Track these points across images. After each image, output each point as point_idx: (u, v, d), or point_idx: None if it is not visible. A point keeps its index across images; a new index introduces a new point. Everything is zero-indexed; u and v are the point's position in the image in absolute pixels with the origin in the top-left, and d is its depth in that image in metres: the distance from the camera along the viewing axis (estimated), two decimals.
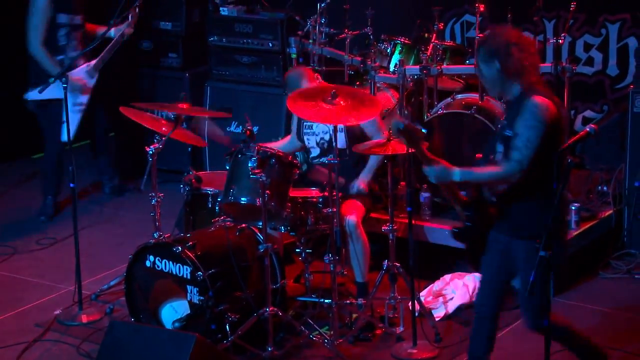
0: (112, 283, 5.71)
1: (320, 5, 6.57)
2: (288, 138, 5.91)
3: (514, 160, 3.92)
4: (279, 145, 5.78)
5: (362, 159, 5.57)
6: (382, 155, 5.38)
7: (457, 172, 4.03)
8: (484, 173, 4.04)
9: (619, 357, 4.87)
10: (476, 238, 4.20)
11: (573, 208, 5.77)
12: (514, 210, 4.05)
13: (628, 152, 5.98)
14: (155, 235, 5.15)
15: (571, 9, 6.11)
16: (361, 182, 5.47)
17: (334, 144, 4.98)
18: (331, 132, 5.52)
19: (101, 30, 6.62)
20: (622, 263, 5.84)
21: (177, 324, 4.92)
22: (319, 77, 5.80)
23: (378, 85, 6.43)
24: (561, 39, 5.92)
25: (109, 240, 6.62)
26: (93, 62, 6.67)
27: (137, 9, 6.38)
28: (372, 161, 5.51)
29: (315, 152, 5.70)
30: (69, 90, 5.55)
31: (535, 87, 4.02)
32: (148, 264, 5.06)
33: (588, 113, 7.13)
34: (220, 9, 7.34)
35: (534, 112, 3.90)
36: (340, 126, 5.14)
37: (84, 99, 6.68)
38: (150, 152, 5.13)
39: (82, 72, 6.65)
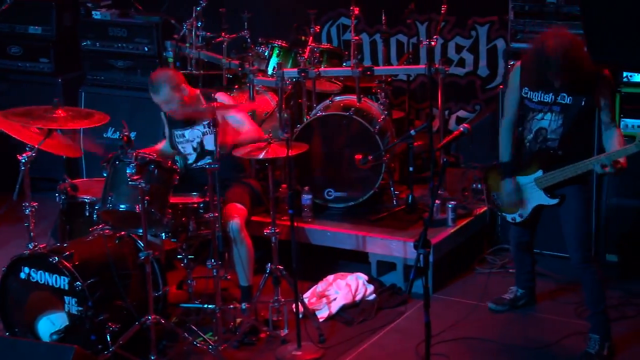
0: None
1: (196, 9, 6.52)
2: (164, 142, 5.83)
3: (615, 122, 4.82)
4: (157, 148, 5.71)
5: (237, 159, 5.54)
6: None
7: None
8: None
9: (495, 349, 5.03)
10: None
11: (450, 206, 5.92)
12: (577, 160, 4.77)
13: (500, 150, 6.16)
14: (30, 246, 4.99)
15: (442, 11, 6.27)
16: None
17: (205, 146, 4.94)
18: (202, 135, 5.51)
19: None
20: (497, 258, 6.03)
21: (55, 336, 4.78)
22: (186, 86, 5.58)
23: (257, 88, 6.43)
24: (433, 41, 6.06)
25: None
26: None
27: None
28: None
29: (192, 157, 5.64)
30: None
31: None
32: (23, 275, 4.90)
33: (461, 113, 7.34)
34: (93, 12, 7.17)
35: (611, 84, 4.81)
36: (210, 129, 5.12)
37: None
38: (23, 160, 4.98)
39: None
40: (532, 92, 4.85)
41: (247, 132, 5.46)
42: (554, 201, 4.89)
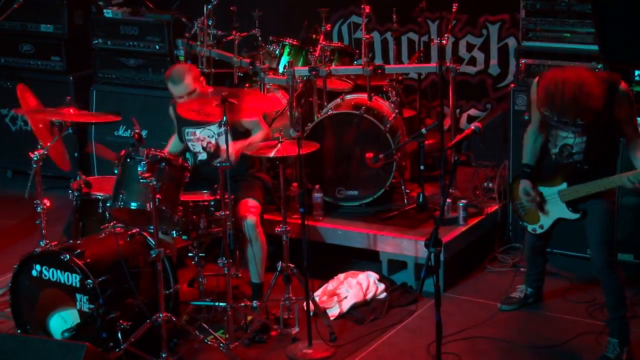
0: None
1: (207, 7, 6.53)
2: (173, 139, 5.82)
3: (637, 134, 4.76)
4: (168, 148, 5.71)
5: (249, 158, 5.55)
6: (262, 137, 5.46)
7: None
8: None
9: (506, 348, 5.02)
10: None
11: (461, 205, 5.90)
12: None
13: (511, 149, 6.16)
14: (42, 244, 5.00)
15: (453, 9, 6.26)
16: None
17: (223, 144, 4.93)
18: (217, 135, 5.51)
19: None
20: (508, 257, 6.01)
21: (66, 334, 4.79)
22: (204, 80, 5.70)
23: (267, 86, 6.43)
24: (445, 40, 6.04)
25: None
26: None
27: None
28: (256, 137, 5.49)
29: (203, 156, 5.65)
30: None
31: None
32: (34, 273, 4.91)
33: (472, 111, 7.33)
34: (104, 11, 7.20)
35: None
36: (223, 128, 5.11)
37: None
38: (35, 158, 5.00)
39: None
40: (551, 112, 4.75)
41: (257, 136, 5.48)
42: (576, 215, 4.87)
